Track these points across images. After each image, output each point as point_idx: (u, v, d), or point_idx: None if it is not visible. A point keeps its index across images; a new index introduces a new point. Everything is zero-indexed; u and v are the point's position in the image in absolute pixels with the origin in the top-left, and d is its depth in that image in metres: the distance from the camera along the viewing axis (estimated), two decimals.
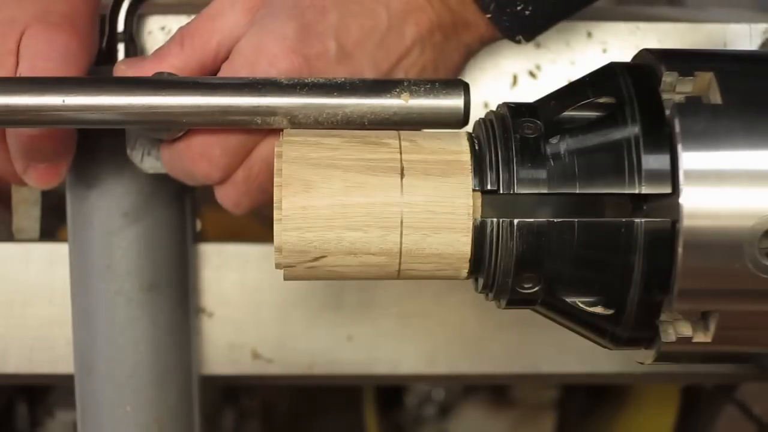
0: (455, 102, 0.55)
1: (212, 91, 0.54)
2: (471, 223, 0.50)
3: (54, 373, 0.74)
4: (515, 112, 0.51)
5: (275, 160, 0.50)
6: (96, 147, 0.66)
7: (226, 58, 0.58)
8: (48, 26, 0.57)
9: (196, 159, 0.58)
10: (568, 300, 0.51)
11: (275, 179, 0.50)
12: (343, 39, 0.58)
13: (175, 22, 0.67)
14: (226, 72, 0.57)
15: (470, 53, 0.65)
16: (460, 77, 0.68)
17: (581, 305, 0.50)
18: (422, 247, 0.50)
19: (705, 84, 0.49)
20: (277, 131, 0.55)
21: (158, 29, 0.68)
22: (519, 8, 0.60)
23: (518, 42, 0.62)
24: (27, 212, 0.73)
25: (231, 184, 0.60)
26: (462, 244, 0.50)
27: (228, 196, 0.61)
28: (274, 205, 0.49)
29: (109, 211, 0.67)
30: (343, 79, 0.55)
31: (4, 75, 0.57)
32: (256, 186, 0.60)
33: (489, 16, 0.61)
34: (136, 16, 0.65)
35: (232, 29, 0.58)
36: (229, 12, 0.58)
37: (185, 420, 0.72)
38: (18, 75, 0.57)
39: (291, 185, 0.49)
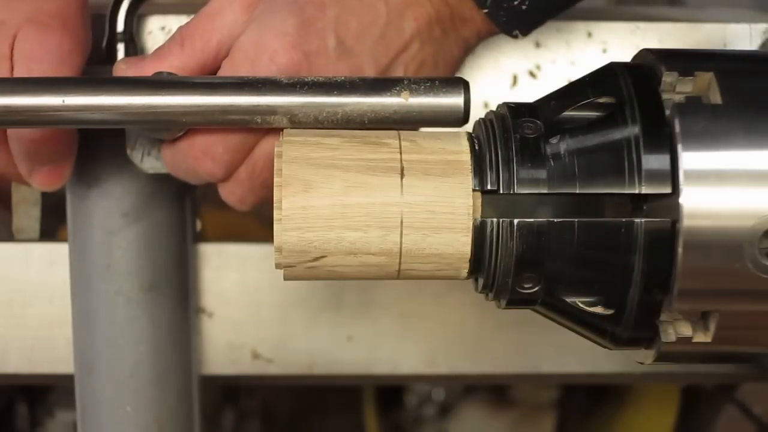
0: (455, 100, 0.55)
1: (212, 91, 0.54)
2: (471, 223, 0.50)
3: (54, 373, 0.74)
4: (515, 112, 0.51)
5: (275, 160, 0.50)
6: (96, 147, 0.66)
7: (227, 56, 0.58)
8: (39, 27, 0.57)
9: (199, 157, 0.58)
10: (568, 300, 0.51)
11: (275, 179, 0.50)
12: (342, 34, 0.58)
13: (175, 22, 0.67)
14: (227, 68, 0.57)
15: (468, 48, 0.65)
16: (459, 74, 0.68)
17: (581, 305, 0.50)
18: (422, 247, 0.50)
19: (705, 84, 0.49)
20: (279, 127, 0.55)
21: (158, 29, 0.68)
22: (515, 3, 0.60)
23: (515, 37, 0.62)
24: (27, 212, 0.73)
25: (235, 181, 0.60)
26: (462, 244, 0.50)
27: (232, 193, 0.61)
28: (274, 205, 0.50)
29: (109, 211, 0.67)
30: (342, 78, 0.55)
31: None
32: (260, 182, 0.60)
33: (486, 11, 0.61)
34: (136, 16, 0.65)
35: (231, 28, 0.58)
36: (228, 10, 0.58)
37: (185, 420, 0.72)
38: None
39: (291, 185, 0.49)
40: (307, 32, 0.57)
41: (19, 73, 0.57)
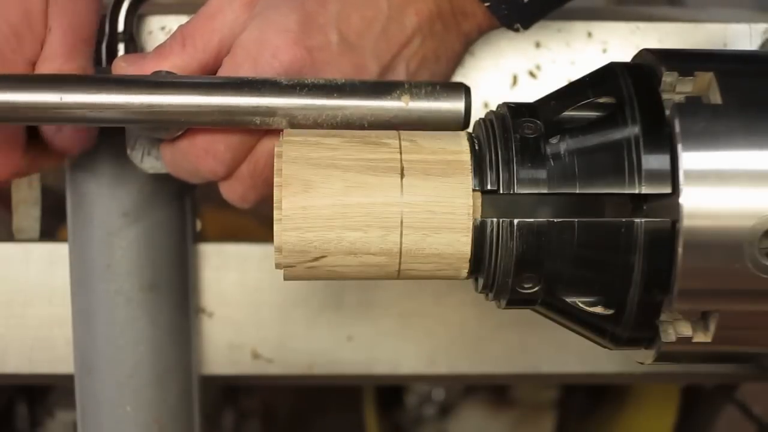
0: (456, 105, 0.55)
1: (211, 91, 0.54)
2: (471, 223, 0.50)
3: (54, 373, 0.74)
4: (515, 112, 0.51)
5: (275, 160, 0.50)
6: (96, 147, 0.66)
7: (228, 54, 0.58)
8: None
9: (201, 156, 0.58)
10: (568, 300, 0.51)
11: (275, 179, 0.50)
12: (344, 30, 0.58)
13: (175, 22, 0.67)
14: (228, 66, 0.57)
15: (469, 43, 0.65)
16: (459, 72, 0.68)
17: (581, 305, 0.50)
18: (422, 247, 0.50)
19: (705, 84, 0.49)
20: None
21: (158, 29, 0.68)
22: None
23: (516, 30, 0.62)
24: (27, 212, 0.73)
25: (236, 179, 0.60)
26: (462, 244, 0.50)
27: (234, 191, 0.61)
28: (274, 205, 0.50)
29: (109, 211, 0.67)
30: (343, 81, 0.55)
31: (36, 36, 0.57)
32: (263, 180, 0.60)
33: (487, 4, 0.61)
34: (136, 16, 0.65)
35: (232, 27, 0.58)
36: (228, 9, 0.58)
37: (185, 420, 0.72)
38: (48, 30, 0.57)
39: (291, 185, 0.49)
40: (309, 28, 0.57)
41: (54, 24, 0.57)
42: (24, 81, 0.54)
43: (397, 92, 0.54)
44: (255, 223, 0.98)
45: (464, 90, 0.55)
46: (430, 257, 0.50)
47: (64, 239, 0.70)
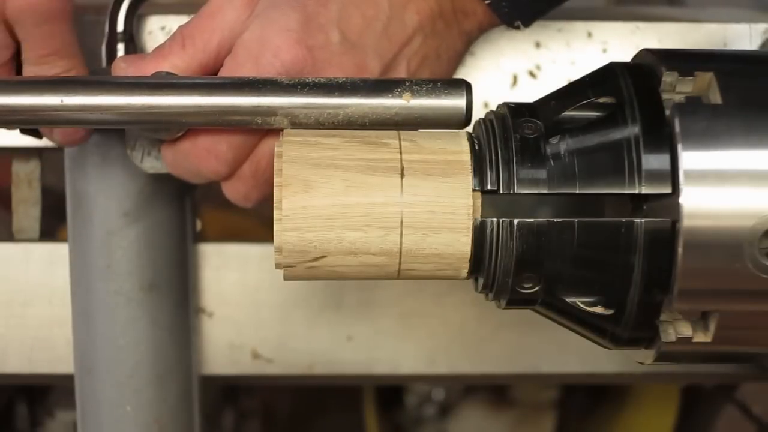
0: (457, 102, 0.54)
1: (211, 91, 0.54)
2: (471, 223, 0.50)
3: (54, 373, 0.74)
4: (515, 112, 0.51)
5: (275, 160, 0.50)
6: (96, 147, 0.66)
7: (229, 54, 0.58)
8: None
9: (203, 156, 0.58)
10: (568, 300, 0.51)
11: (275, 179, 0.50)
12: (345, 29, 0.58)
13: (175, 22, 0.67)
14: (229, 66, 0.57)
15: (470, 41, 0.65)
16: (460, 73, 0.68)
17: (581, 305, 0.50)
18: (422, 247, 0.50)
19: (705, 84, 0.49)
20: None
21: (158, 29, 0.68)
22: None
23: (517, 28, 0.62)
24: (27, 212, 0.73)
25: (239, 179, 0.60)
26: (462, 244, 0.50)
27: (237, 191, 0.61)
28: (274, 205, 0.50)
29: (109, 211, 0.67)
30: (344, 79, 0.55)
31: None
32: (265, 179, 0.60)
33: (488, 2, 0.61)
34: (136, 16, 0.65)
35: (232, 26, 0.58)
36: (228, 8, 0.58)
37: (185, 420, 0.72)
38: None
39: (291, 185, 0.49)
40: (310, 27, 0.57)
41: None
42: (25, 84, 0.54)
43: (399, 90, 0.54)
44: (255, 223, 0.98)
45: (465, 87, 0.55)
46: (430, 257, 0.50)
47: (64, 239, 0.70)
